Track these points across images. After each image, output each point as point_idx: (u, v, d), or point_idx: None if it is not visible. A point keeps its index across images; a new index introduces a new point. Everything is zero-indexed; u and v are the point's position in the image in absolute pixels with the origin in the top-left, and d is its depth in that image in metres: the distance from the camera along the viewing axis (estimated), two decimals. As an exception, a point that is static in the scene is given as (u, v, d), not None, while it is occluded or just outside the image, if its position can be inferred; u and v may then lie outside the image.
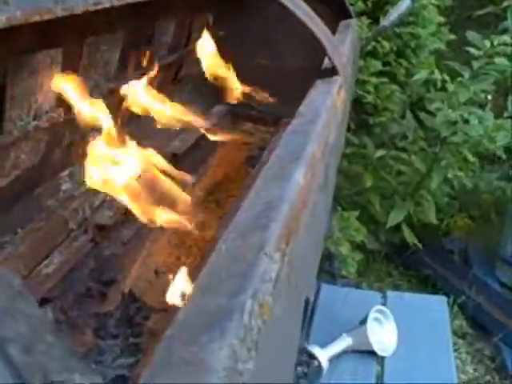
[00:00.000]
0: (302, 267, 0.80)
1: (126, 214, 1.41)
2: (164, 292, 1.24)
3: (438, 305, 2.29)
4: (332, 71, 1.35)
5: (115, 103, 1.58)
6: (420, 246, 3.34)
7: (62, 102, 1.23)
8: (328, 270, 2.73)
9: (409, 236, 3.34)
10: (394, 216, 3.28)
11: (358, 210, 3.30)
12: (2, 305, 0.30)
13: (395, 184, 3.40)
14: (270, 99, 2.07)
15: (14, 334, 0.29)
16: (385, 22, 2.67)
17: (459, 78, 3.11)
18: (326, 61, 1.41)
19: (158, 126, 1.76)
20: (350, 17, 2.16)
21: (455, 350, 2.90)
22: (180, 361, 0.47)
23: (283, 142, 0.92)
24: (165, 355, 0.48)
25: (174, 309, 1.17)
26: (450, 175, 3.10)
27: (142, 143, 1.74)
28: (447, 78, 3.09)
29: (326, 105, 1.11)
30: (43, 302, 1.21)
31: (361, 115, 3.42)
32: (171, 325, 0.52)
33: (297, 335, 0.84)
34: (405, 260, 3.54)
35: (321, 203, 0.97)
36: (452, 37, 3.60)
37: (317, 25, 1.41)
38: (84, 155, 1.29)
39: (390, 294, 2.36)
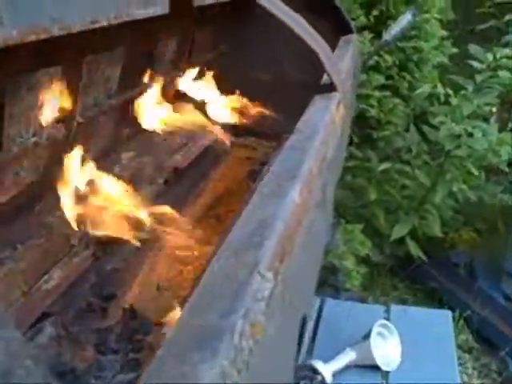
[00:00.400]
0: (298, 285, 0.80)
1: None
2: (165, 307, 1.24)
3: (442, 319, 2.28)
4: (330, 87, 1.36)
5: (116, 119, 1.59)
6: (425, 259, 3.32)
7: (61, 118, 1.23)
8: (332, 284, 2.72)
9: (413, 249, 3.33)
10: (398, 229, 3.28)
11: (363, 223, 3.29)
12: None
13: (399, 198, 3.40)
14: (271, 114, 2.07)
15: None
16: (387, 36, 2.67)
17: (462, 92, 3.11)
18: (325, 76, 1.41)
19: (163, 138, 1.77)
20: (350, 32, 2.17)
21: (461, 365, 2.88)
22: (171, 379, 0.47)
23: (280, 158, 0.92)
24: (156, 374, 0.48)
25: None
26: (454, 188, 3.09)
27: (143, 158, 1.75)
28: (450, 91, 3.09)
29: (325, 121, 1.11)
30: (44, 317, 1.21)
31: (364, 129, 3.42)
32: (163, 343, 0.52)
33: (292, 353, 0.84)
34: (410, 273, 3.53)
35: (318, 220, 0.97)
36: (455, 50, 3.61)
37: (316, 41, 1.42)
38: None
39: (394, 307, 2.35)
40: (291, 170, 0.86)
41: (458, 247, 3.63)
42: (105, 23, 0.94)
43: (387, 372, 2.00)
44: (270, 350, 0.61)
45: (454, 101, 3.08)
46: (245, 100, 2.10)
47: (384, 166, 3.28)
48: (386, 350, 2.03)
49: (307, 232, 0.81)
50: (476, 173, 3.05)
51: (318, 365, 1.89)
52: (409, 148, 3.52)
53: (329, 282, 2.69)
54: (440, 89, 3.10)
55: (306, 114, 1.17)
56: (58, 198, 1.43)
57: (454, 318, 2.43)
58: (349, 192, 3.47)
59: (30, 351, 0.31)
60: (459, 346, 2.87)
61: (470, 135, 3.03)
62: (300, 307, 0.86)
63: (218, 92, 2.14)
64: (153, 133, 1.79)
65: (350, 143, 3.37)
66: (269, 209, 0.75)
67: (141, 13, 1.04)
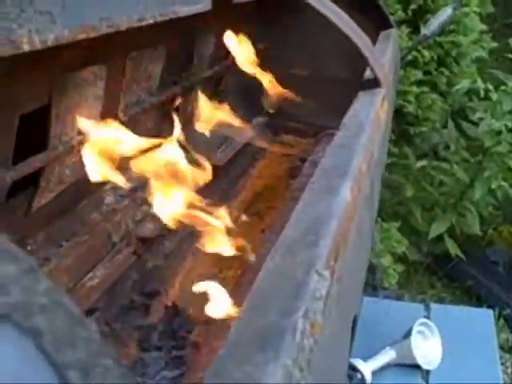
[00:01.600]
0: (350, 284, 0.79)
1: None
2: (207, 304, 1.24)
3: (483, 318, 2.24)
4: (374, 82, 1.34)
5: (157, 117, 1.59)
6: (463, 257, 3.28)
7: (104, 115, 1.24)
8: (370, 283, 2.70)
9: (452, 247, 3.28)
10: (436, 227, 3.24)
11: (399, 221, 3.26)
12: (60, 331, 0.30)
13: (437, 195, 3.35)
14: (311, 110, 2.06)
15: (74, 359, 0.29)
16: (425, 30, 2.63)
17: (503, 87, 3.05)
18: (368, 72, 1.40)
19: (207, 134, 1.77)
20: (390, 26, 2.14)
21: (502, 364, 2.83)
22: (234, 380, 0.46)
23: (328, 155, 0.91)
24: (218, 374, 0.48)
25: (218, 323, 1.17)
26: (493, 186, 3.04)
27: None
28: (490, 86, 3.04)
29: (370, 117, 1.10)
30: (88, 314, 1.22)
31: (402, 125, 3.39)
32: (224, 344, 0.51)
33: (346, 352, 0.83)
34: (448, 271, 3.48)
35: (366, 218, 0.96)
36: (494, 44, 3.54)
37: (358, 36, 1.40)
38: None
39: (434, 306, 2.32)
40: (341, 167, 0.85)
41: (497, 245, 3.57)
42: (151, 21, 0.94)
43: (427, 371, 1.98)
44: (328, 350, 0.61)
45: (493, 96, 3.02)
46: (283, 95, 2.09)
47: (421, 163, 3.25)
48: (427, 349, 2.01)
49: (358, 230, 0.80)
50: (517, 169, 3.00)
51: (358, 363, 1.88)
52: (446, 144, 3.48)
53: (367, 281, 2.67)
54: (479, 84, 3.05)
55: (351, 110, 1.15)
56: (100, 196, 1.45)
57: (494, 316, 2.38)
58: (385, 189, 3.44)
59: (107, 352, 0.31)
60: (499, 346, 2.82)
61: (511, 131, 2.97)
62: (352, 306, 0.85)
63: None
64: (192, 131, 1.79)
65: (389, 140, 3.34)
66: (321, 206, 0.74)
67: (185, 10, 1.04)
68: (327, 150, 0.93)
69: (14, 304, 0.31)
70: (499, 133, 2.98)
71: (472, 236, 3.34)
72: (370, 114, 1.13)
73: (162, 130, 1.68)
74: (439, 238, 3.30)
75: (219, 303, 1.24)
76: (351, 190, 0.79)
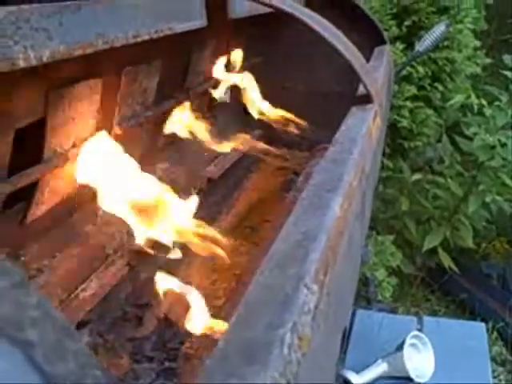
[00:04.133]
0: (340, 297, 0.80)
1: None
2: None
3: (476, 331, 2.25)
4: (367, 98, 1.36)
5: (152, 131, 1.61)
6: (457, 270, 3.29)
7: (99, 129, 1.25)
8: (363, 296, 2.71)
9: (445, 260, 3.30)
10: (430, 239, 3.26)
11: (394, 234, 3.28)
12: (50, 343, 0.31)
13: (431, 208, 3.37)
14: (305, 125, 2.08)
15: (65, 371, 0.30)
16: (420, 47, 2.66)
17: (496, 102, 3.08)
18: (361, 88, 1.41)
19: (197, 149, 1.78)
20: (384, 42, 2.17)
21: (495, 377, 2.84)
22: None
23: (320, 170, 0.93)
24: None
25: (209, 334, 1.18)
26: (487, 199, 3.06)
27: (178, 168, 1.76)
28: (484, 102, 3.07)
29: (362, 133, 1.11)
30: (81, 325, 1.22)
31: (396, 140, 3.41)
32: (211, 356, 0.52)
33: (334, 365, 0.84)
34: (442, 285, 3.50)
35: (357, 232, 0.97)
36: (488, 61, 3.58)
37: (351, 51, 1.42)
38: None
39: (427, 319, 2.32)
40: (331, 182, 0.86)
41: (491, 259, 3.59)
42: (146, 37, 0.96)
43: (420, 384, 1.99)
44: (315, 363, 0.62)
45: (487, 111, 3.05)
46: (278, 111, 2.11)
47: (416, 176, 3.27)
48: (419, 361, 2.01)
49: (348, 244, 0.82)
50: (511, 184, 3.02)
51: (350, 375, 1.88)
52: (441, 159, 3.50)
53: (360, 294, 2.68)
54: (473, 99, 3.07)
55: (343, 126, 1.17)
56: (94, 208, 1.46)
57: (487, 329, 2.39)
58: (380, 203, 3.46)
59: (96, 363, 0.32)
60: (492, 359, 2.83)
61: (504, 146, 3.00)
62: (342, 320, 0.86)
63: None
64: (186, 144, 1.80)
65: (383, 154, 3.36)
66: (311, 221, 0.75)
67: (181, 26, 1.06)
68: (319, 165, 0.95)
69: (5, 317, 0.32)
70: (493, 147, 3.01)
71: (466, 250, 3.36)
72: (362, 130, 1.14)
73: (155, 144, 1.69)
74: (433, 252, 3.32)
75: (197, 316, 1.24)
76: (341, 206, 0.80)
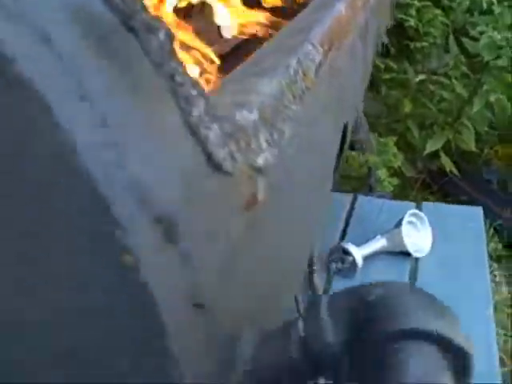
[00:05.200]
0: (342, 91, 0.83)
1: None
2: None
3: (474, 215, 2.32)
4: None
5: None
6: (458, 174, 3.33)
7: None
8: (367, 183, 2.77)
9: (447, 163, 3.32)
10: (432, 143, 3.27)
11: (396, 137, 3.30)
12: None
13: (435, 111, 3.37)
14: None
15: None
16: None
17: (506, 2, 3.04)
18: None
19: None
20: None
21: (490, 273, 2.91)
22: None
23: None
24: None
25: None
26: (491, 98, 3.05)
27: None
28: None
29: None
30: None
31: (402, 41, 3.38)
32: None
33: (334, 152, 0.88)
34: (442, 186, 3.54)
35: (359, 49, 0.99)
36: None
37: None
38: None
39: (425, 203, 2.39)
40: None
41: (493, 165, 3.62)
42: None
43: (417, 259, 2.06)
44: (316, 121, 0.65)
45: (496, 9, 3.01)
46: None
47: (421, 77, 3.26)
48: (417, 238, 2.08)
49: (351, 47, 0.84)
50: (515, 84, 3.01)
51: (350, 247, 1.95)
52: (447, 64, 3.48)
53: (363, 181, 2.74)
54: (482, -3, 3.03)
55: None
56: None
57: (485, 223, 2.44)
58: (382, 106, 3.47)
59: None
60: (488, 255, 2.90)
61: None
62: (342, 113, 0.89)
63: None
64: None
65: (388, 54, 3.35)
66: (316, 15, 0.78)
67: None
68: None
69: None
70: (500, 47, 2.98)
71: (468, 155, 3.38)
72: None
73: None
74: (435, 155, 3.34)
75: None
76: (346, 6, 0.83)
